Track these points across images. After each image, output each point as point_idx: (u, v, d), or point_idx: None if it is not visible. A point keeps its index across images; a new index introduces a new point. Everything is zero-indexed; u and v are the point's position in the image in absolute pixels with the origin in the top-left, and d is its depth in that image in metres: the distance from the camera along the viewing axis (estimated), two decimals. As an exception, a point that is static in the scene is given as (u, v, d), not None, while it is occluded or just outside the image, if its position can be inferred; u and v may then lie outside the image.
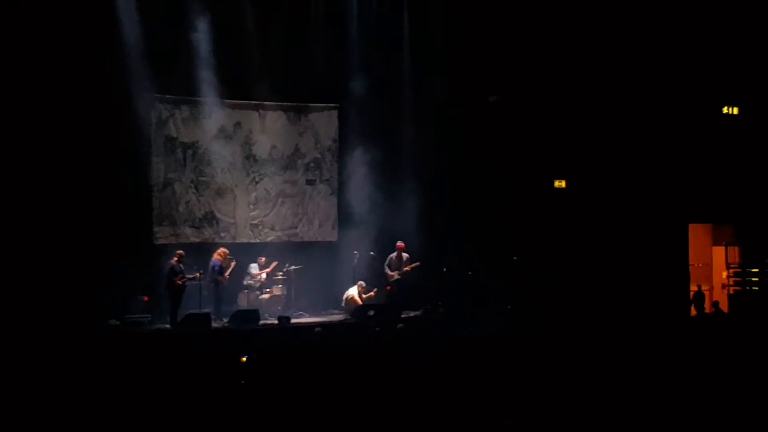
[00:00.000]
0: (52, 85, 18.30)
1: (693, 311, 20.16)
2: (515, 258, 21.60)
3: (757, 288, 21.63)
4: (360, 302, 20.43)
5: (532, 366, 11.80)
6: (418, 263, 21.00)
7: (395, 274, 20.96)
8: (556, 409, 9.23)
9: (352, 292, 20.64)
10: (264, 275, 20.37)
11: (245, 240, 21.43)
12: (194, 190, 20.97)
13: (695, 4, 20.43)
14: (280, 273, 20.63)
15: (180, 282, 18.67)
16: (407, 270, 20.98)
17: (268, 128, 21.84)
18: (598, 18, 20.87)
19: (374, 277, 21.30)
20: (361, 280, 20.84)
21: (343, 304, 20.79)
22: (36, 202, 18.21)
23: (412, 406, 9.63)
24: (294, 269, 20.79)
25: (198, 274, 18.97)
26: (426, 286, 21.27)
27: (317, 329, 17.64)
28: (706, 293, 20.98)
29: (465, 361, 12.56)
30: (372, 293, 20.90)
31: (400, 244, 21.04)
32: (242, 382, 11.09)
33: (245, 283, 20.23)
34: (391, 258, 21.04)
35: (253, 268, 20.48)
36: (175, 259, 18.84)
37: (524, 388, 10.36)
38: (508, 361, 12.42)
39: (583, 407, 9.29)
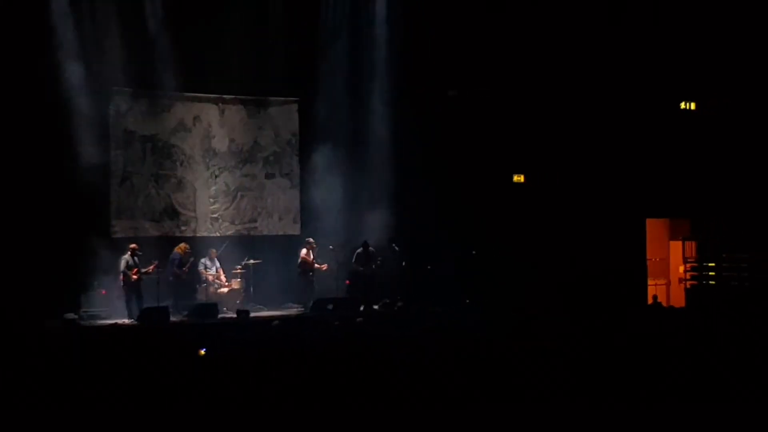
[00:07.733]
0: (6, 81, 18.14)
1: None
2: (474, 252, 21.68)
3: (713, 282, 21.85)
4: (310, 260, 20.66)
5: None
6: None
7: (359, 269, 20.96)
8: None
9: (302, 252, 20.77)
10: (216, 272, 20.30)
11: (205, 234, 21.35)
12: (154, 184, 20.85)
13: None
14: (239, 267, 20.58)
15: (135, 276, 18.57)
16: None
17: (228, 122, 21.77)
18: (557, 13, 20.97)
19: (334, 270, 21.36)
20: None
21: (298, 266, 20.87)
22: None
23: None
24: (252, 263, 20.73)
25: (153, 266, 18.90)
26: (387, 280, 21.26)
27: (275, 322, 17.61)
28: (663, 287, 21.14)
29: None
30: (324, 266, 21.01)
31: (365, 242, 21.08)
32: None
33: (203, 277, 20.11)
34: (358, 253, 21.03)
35: (202, 263, 20.24)
36: (129, 252, 18.72)
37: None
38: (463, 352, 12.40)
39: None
